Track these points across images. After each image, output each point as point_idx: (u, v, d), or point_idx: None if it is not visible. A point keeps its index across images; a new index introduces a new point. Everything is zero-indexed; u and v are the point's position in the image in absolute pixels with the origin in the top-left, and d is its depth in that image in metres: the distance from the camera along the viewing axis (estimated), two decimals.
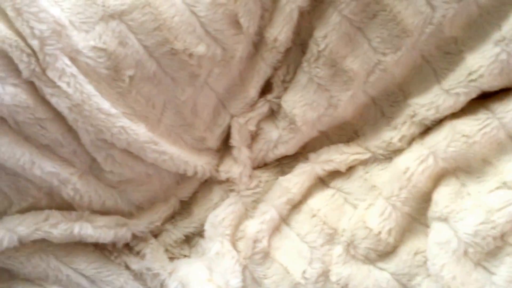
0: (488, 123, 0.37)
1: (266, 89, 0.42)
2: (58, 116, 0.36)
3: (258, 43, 0.39)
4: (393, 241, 0.39)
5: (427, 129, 0.40)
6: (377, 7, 0.36)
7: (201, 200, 0.44)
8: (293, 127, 0.41)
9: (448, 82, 0.37)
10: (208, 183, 0.44)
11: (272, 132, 0.42)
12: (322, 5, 0.37)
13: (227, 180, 0.43)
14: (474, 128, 0.37)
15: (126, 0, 0.35)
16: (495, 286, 0.35)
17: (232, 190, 0.43)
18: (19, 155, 0.36)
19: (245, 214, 0.43)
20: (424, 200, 0.39)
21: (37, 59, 0.34)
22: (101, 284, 0.41)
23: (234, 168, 0.43)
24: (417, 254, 0.39)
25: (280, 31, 0.38)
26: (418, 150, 0.38)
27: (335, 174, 0.42)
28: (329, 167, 0.42)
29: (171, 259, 0.42)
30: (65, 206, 0.40)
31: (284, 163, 0.44)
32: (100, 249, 0.42)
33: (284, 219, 0.42)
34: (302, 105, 0.40)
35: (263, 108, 0.42)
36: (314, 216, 0.42)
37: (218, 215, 0.42)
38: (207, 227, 0.42)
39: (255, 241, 0.41)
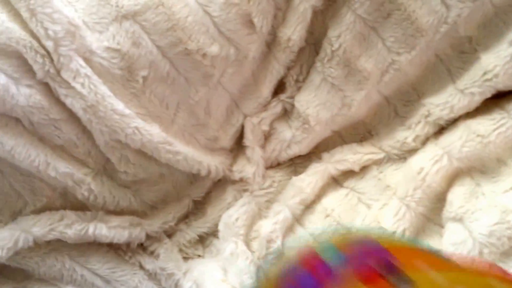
0: (503, 123, 0.36)
1: (279, 88, 0.42)
2: (73, 116, 0.36)
3: (271, 43, 0.39)
4: None
5: (441, 129, 0.39)
6: (392, 6, 0.36)
7: (214, 200, 0.44)
8: (306, 127, 0.41)
9: (462, 81, 0.37)
10: (221, 183, 0.44)
11: (285, 132, 0.42)
12: (335, 5, 0.37)
13: (241, 180, 0.43)
14: (488, 128, 0.36)
15: (139, 0, 0.35)
16: None
17: (245, 190, 0.43)
18: (34, 156, 0.37)
19: (259, 214, 0.43)
20: (438, 200, 0.39)
21: (52, 60, 0.34)
22: (115, 284, 0.41)
23: (248, 168, 0.43)
24: None
25: (294, 31, 0.38)
26: (432, 150, 0.38)
27: (348, 173, 0.42)
28: (343, 166, 0.42)
29: (185, 259, 0.42)
30: (80, 207, 0.40)
31: (297, 163, 0.44)
32: (114, 249, 0.42)
33: (298, 219, 0.42)
34: (316, 105, 0.40)
35: (276, 108, 0.42)
36: (327, 216, 0.41)
37: (232, 215, 0.42)
38: (221, 227, 0.42)
39: (269, 241, 0.41)
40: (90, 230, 0.39)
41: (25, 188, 0.39)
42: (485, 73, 0.36)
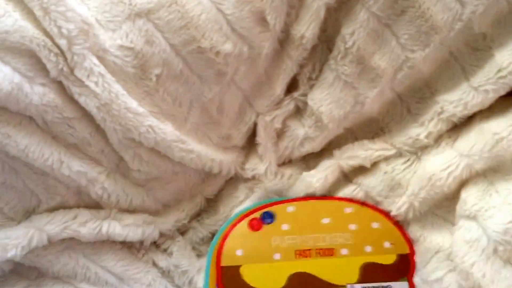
0: None
1: (292, 86, 0.42)
2: (86, 115, 0.36)
3: (284, 41, 0.39)
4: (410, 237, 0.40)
5: (454, 126, 0.40)
6: (406, 4, 0.36)
7: (226, 197, 0.44)
8: (319, 124, 0.41)
9: (477, 79, 0.37)
10: (233, 181, 0.44)
11: (298, 129, 0.42)
12: (349, 2, 0.37)
13: (253, 178, 0.43)
14: (502, 125, 0.36)
15: None
16: None
17: (258, 188, 0.43)
18: (47, 155, 0.37)
19: None
20: (447, 199, 0.39)
21: (65, 59, 0.34)
22: (129, 281, 0.41)
23: (260, 165, 0.43)
24: (438, 252, 0.39)
25: (307, 28, 0.38)
26: (447, 154, 0.38)
27: (358, 170, 0.42)
28: (354, 162, 0.42)
29: (198, 256, 0.43)
30: (93, 205, 0.40)
31: (308, 159, 0.44)
32: (128, 247, 0.42)
33: None
34: (329, 102, 0.40)
35: (289, 105, 0.42)
36: None
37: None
38: None
39: None
40: (104, 229, 0.39)
41: (39, 187, 0.39)
42: (499, 71, 0.36)
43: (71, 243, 0.40)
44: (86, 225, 0.39)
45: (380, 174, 0.41)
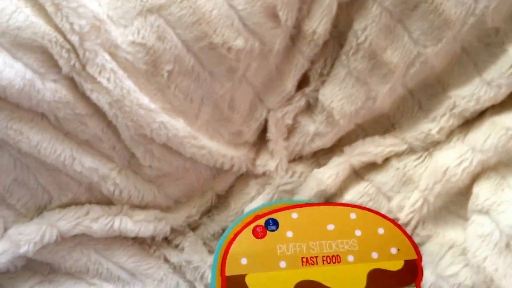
0: None
1: (303, 82, 0.42)
2: (98, 111, 0.36)
3: (295, 36, 0.39)
4: (423, 233, 0.40)
5: (465, 122, 0.40)
6: None
7: (237, 194, 0.44)
8: (330, 120, 0.41)
9: (489, 74, 0.37)
10: (244, 177, 0.44)
11: (309, 125, 0.42)
12: None
13: (264, 174, 0.43)
14: None
15: None
16: None
17: (268, 184, 0.43)
18: (59, 151, 0.37)
19: None
20: (461, 194, 0.39)
21: (77, 55, 0.34)
22: (141, 277, 0.41)
23: (271, 161, 0.43)
24: (452, 247, 0.39)
25: (319, 24, 0.37)
26: (459, 148, 0.38)
27: (370, 167, 0.42)
28: (365, 158, 0.42)
29: (210, 252, 0.43)
30: (105, 201, 0.40)
31: (319, 156, 0.44)
32: (139, 242, 0.42)
33: None
34: (340, 98, 0.40)
35: (300, 101, 0.41)
36: None
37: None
38: None
39: None
40: (116, 224, 0.40)
41: (51, 183, 0.39)
42: None
43: (83, 239, 0.40)
44: (98, 221, 0.39)
45: (391, 170, 0.41)
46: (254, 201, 0.43)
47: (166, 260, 0.42)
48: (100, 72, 0.35)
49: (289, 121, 0.42)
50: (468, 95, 0.38)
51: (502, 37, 0.36)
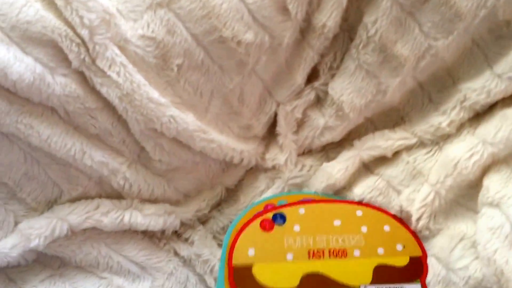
0: None
1: (312, 76, 0.41)
2: (108, 105, 0.36)
3: (305, 30, 0.39)
4: (434, 227, 0.40)
5: (476, 115, 0.39)
6: None
7: (247, 188, 0.44)
8: (340, 114, 0.41)
9: (500, 66, 0.37)
10: (253, 171, 0.44)
11: (318, 119, 0.42)
12: None
13: (273, 168, 0.43)
14: None
15: None
16: None
17: (278, 178, 0.43)
18: (69, 145, 0.37)
19: None
20: (471, 187, 0.39)
21: (87, 49, 0.34)
22: (151, 270, 0.41)
23: (280, 155, 0.43)
24: (462, 240, 0.39)
25: (329, 17, 0.37)
26: (470, 141, 0.38)
27: (379, 161, 0.42)
28: (375, 152, 0.41)
29: (219, 245, 0.43)
30: (115, 195, 0.40)
31: (328, 150, 0.44)
32: (149, 236, 0.42)
33: None
34: (350, 91, 0.40)
35: (309, 95, 0.41)
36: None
37: None
38: None
39: None
40: (126, 218, 0.40)
41: (61, 177, 0.39)
42: None
43: (93, 233, 0.40)
44: (108, 215, 0.39)
45: (401, 164, 0.41)
46: (263, 194, 0.43)
47: (176, 254, 0.42)
48: (110, 66, 0.35)
49: (298, 114, 0.42)
50: (479, 88, 0.38)
51: None
